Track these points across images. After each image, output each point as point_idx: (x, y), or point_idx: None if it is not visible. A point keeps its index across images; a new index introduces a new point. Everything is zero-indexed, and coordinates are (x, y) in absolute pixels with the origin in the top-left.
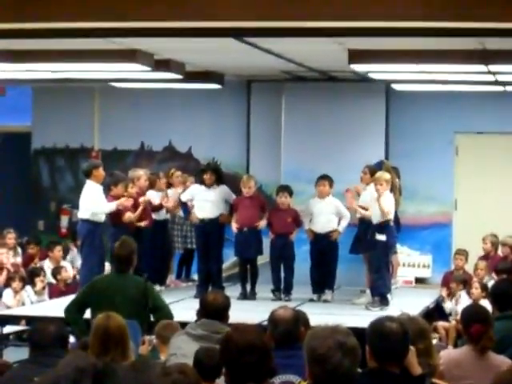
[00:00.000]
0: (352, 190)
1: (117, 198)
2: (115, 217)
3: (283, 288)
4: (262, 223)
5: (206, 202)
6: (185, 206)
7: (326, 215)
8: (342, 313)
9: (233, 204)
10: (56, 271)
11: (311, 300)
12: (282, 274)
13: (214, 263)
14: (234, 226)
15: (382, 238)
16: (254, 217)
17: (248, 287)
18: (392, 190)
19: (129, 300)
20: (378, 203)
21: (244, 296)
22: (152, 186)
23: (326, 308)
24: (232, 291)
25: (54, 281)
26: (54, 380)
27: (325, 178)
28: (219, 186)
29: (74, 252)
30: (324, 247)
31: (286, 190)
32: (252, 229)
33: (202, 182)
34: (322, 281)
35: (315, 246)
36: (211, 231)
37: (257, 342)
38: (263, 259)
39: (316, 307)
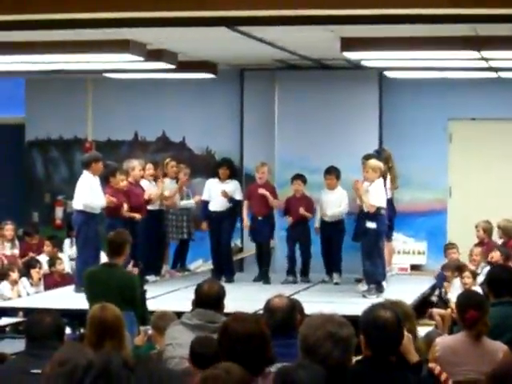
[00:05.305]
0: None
1: (116, 188)
2: (110, 208)
3: (300, 271)
4: (276, 203)
5: (219, 195)
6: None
7: (334, 205)
8: (339, 301)
9: (247, 192)
10: (51, 262)
11: (323, 281)
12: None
13: (224, 251)
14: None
15: (372, 225)
16: (266, 206)
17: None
18: (384, 178)
19: (114, 293)
20: (367, 192)
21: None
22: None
23: (323, 296)
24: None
25: (49, 272)
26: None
27: (331, 172)
28: (232, 180)
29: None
30: (331, 234)
31: (299, 178)
32: (265, 217)
33: (216, 175)
34: (330, 265)
35: (324, 233)
36: (223, 223)
37: (256, 330)
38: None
39: (314, 295)
